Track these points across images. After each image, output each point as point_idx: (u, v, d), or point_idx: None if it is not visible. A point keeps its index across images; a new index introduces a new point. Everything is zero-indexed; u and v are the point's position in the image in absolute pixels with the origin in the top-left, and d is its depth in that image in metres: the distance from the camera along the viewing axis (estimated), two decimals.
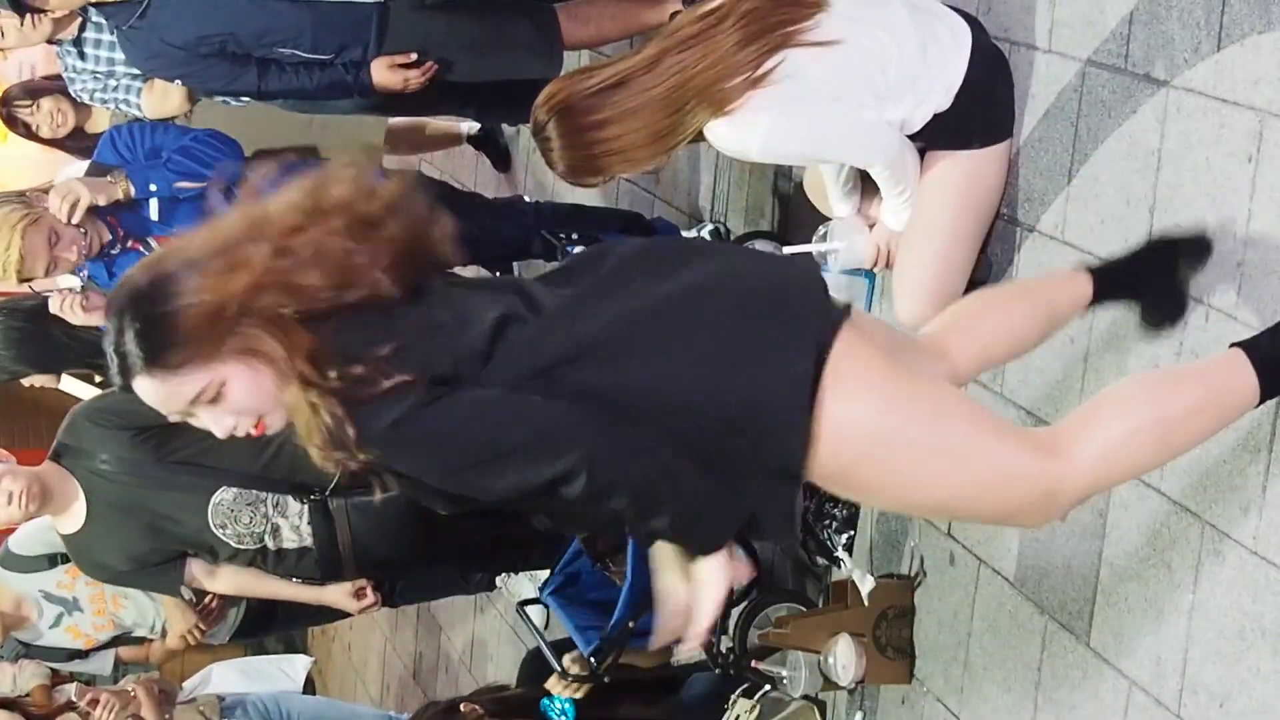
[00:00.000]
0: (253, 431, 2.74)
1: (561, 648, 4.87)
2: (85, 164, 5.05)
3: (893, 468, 2.82)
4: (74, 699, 5.77)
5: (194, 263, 2.65)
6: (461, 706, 4.99)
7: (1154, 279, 3.34)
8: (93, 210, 4.73)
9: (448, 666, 7.86)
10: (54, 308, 4.77)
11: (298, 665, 6.80)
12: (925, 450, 2.81)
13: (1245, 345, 2.94)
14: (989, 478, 2.85)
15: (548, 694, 4.89)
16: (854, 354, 2.79)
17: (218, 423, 2.72)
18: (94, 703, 5.64)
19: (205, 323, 2.61)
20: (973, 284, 3.90)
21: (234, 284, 2.61)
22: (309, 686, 6.83)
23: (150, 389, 2.68)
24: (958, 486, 2.85)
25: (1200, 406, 2.89)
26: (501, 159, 7.11)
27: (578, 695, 4.78)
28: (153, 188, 4.72)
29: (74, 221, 4.65)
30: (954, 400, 2.91)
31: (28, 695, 5.99)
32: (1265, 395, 2.90)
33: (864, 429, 2.78)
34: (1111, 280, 3.34)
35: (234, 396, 2.67)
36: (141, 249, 4.81)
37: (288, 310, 2.63)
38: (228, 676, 6.45)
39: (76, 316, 4.74)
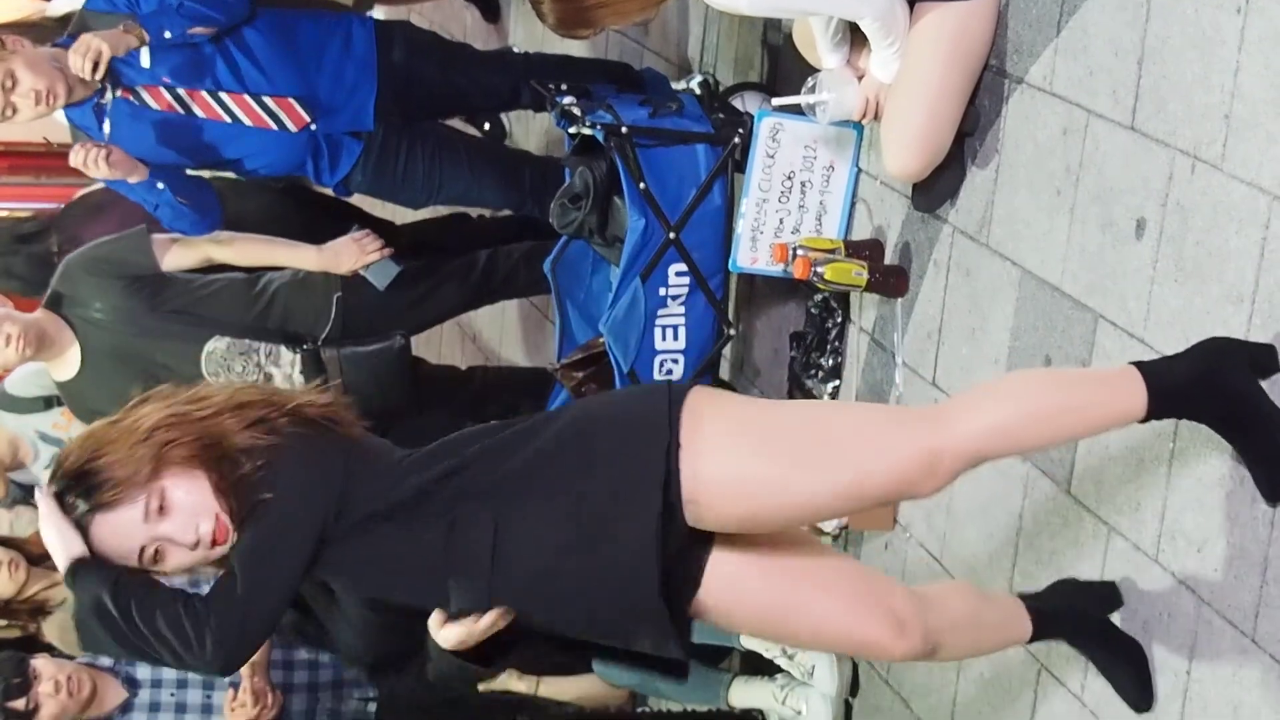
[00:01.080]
0: (216, 534, 2.83)
1: None
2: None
3: (779, 486, 2.90)
4: None
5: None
6: None
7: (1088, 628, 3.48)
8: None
9: None
10: (75, 161, 4.71)
11: None
12: (799, 454, 2.91)
13: (1144, 369, 3.03)
14: (871, 457, 2.92)
15: None
16: (696, 418, 2.90)
17: (182, 536, 2.82)
18: None
19: (126, 460, 2.79)
20: (960, 135, 3.89)
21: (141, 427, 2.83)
22: None
23: (108, 530, 2.81)
24: (846, 472, 2.91)
25: (1086, 410, 3.01)
26: (491, 10, 7.04)
27: None
28: (167, 35, 4.65)
29: (98, 78, 4.58)
30: (814, 404, 3.00)
31: (26, 539, 6.03)
32: (1151, 417, 3.02)
33: (729, 473, 2.88)
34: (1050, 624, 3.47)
35: (176, 498, 2.80)
36: (131, 98, 4.75)
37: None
38: None
39: (100, 170, 4.68)
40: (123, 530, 2.79)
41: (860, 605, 3.09)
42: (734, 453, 2.89)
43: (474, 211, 5.77)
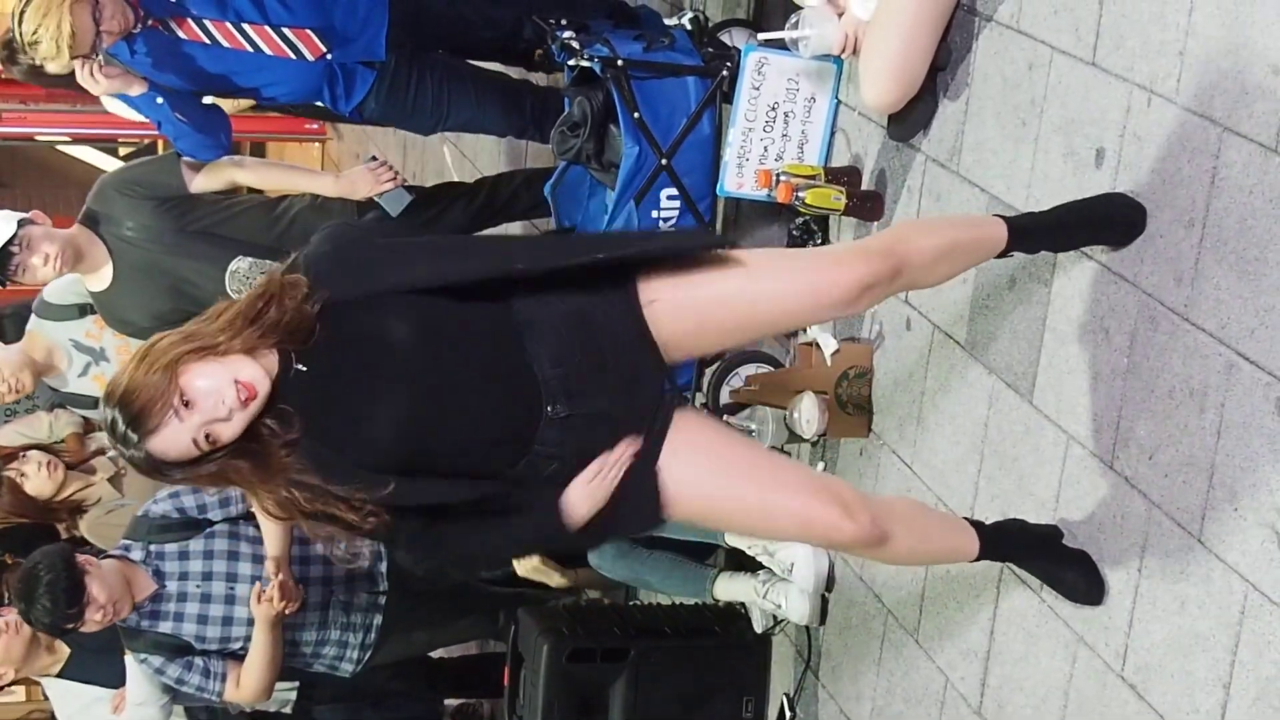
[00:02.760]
0: (245, 396, 2.82)
1: None
2: None
3: (735, 288, 3.07)
4: (105, 445, 5.83)
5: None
6: None
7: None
8: None
9: None
10: (79, 78, 4.70)
11: None
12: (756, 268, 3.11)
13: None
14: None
15: None
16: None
17: (215, 413, 2.81)
18: None
19: (150, 389, 2.79)
20: (933, 69, 3.88)
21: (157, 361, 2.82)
22: None
23: (161, 446, 2.81)
24: (801, 281, 3.11)
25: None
26: None
27: None
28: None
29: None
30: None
31: (62, 442, 6.05)
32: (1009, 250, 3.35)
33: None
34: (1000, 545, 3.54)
35: (196, 388, 2.79)
36: (160, 28, 4.73)
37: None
38: None
39: (99, 84, 4.67)
40: (171, 440, 2.79)
41: (809, 490, 3.14)
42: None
43: None
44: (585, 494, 3.00)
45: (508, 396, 2.97)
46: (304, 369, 2.86)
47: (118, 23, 4.60)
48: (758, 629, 4.69)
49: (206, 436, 2.81)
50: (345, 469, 2.85)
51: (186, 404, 2.78)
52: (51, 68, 4.63)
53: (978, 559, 3.47)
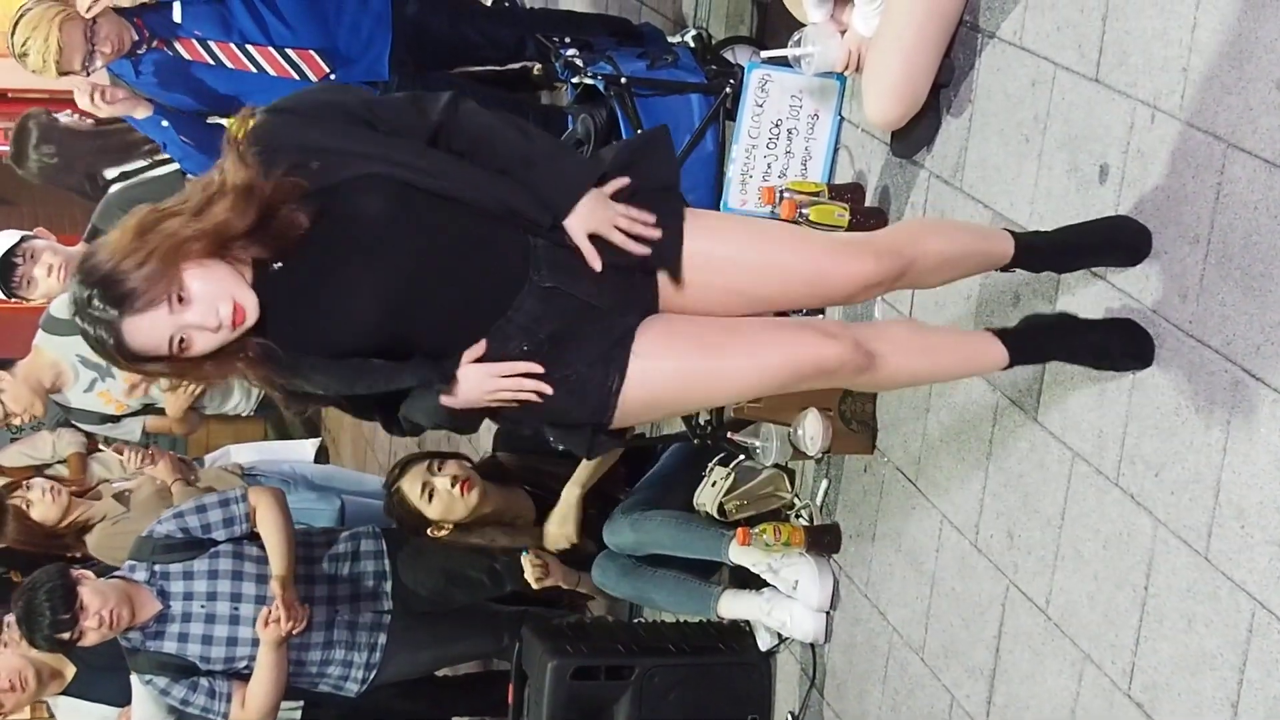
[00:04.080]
0: (235, 316, 2.76)
1: None
2: None
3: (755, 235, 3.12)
4: (101, 445, 5.83)
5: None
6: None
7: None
8: (120, 10, 4.65)
9: (449, 436, 7.89)
10: (81, 103, 4.70)
11: (308, 445, 6.86)
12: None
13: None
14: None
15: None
16: None
17: (205, 320, 2.75)
18: (120, 450, 5.71)
19: (145, 263, 2.72)
20: (936, 86, 3.87)
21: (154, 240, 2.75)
22: (322, 457, 6.90)
23: (136, 329, 2.74)
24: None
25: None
26: None
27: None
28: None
29: (91, 15, 4.56)
30: None
31: (64, 461, 6.05)
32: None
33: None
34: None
35: (195, 288, 2.73)
36: (165, 49, 4.74)
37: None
38: (244, 453, 6.51)
39: (102, 109, 4.67)
40: (150, 327, 2.73)
41: (788, 327, 3.11)
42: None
43: None
44: (474, 380, 2.90)
45: (492, 258, 2.91)
46: (280, 265, 2.81)
47: (112, 44, 4.60)
48: (762, 647, 4.67)
49: (181, 340, 2.76)
50: (295, 364, 2.85)
51: (180, 299, 2.73)
52: (48, 75, 4.64)
53: (1010, 366, 3.31)
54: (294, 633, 4.73)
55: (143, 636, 4.77)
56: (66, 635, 4.59)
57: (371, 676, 5.04)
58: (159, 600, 4.78)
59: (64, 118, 6.03)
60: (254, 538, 4.88)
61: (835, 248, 3.12)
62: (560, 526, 5.03)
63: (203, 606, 4.80)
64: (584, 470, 4.98)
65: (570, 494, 5.00)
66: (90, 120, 5.89)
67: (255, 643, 4.76)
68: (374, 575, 5.03)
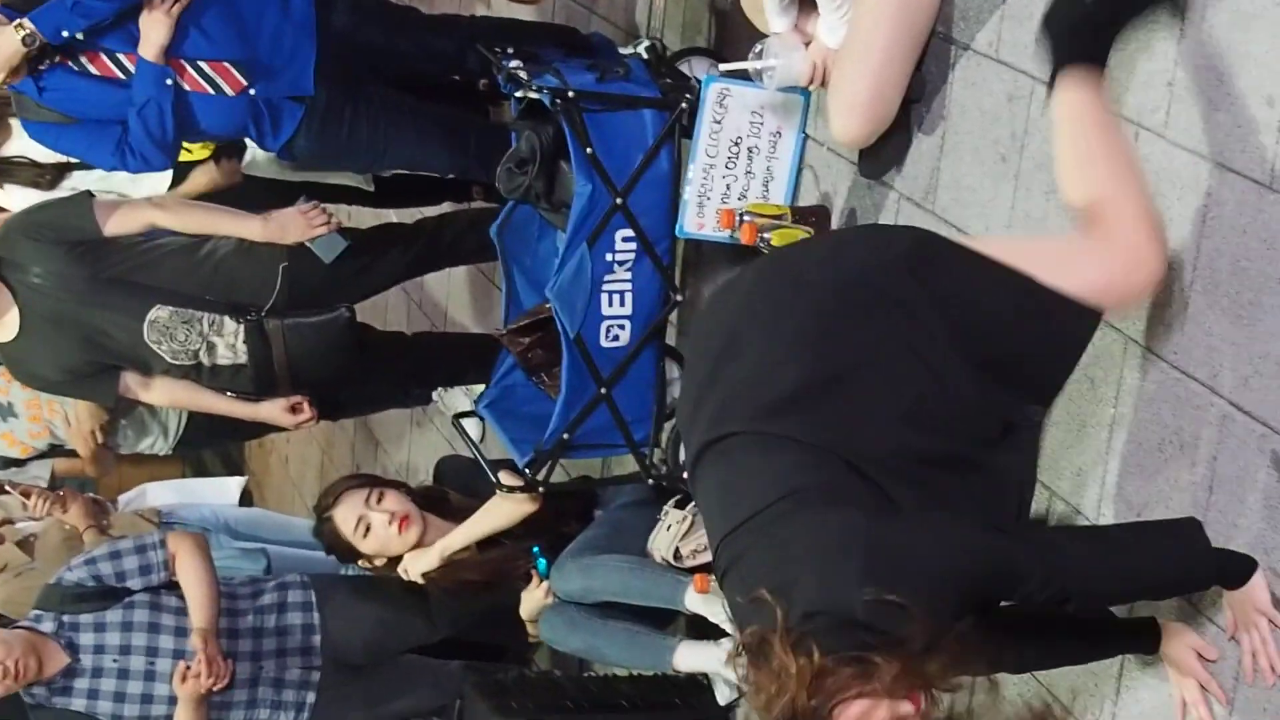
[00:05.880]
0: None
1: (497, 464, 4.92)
2: None
3: None
4: (7, 488, 5.82)
5: None
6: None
7: None
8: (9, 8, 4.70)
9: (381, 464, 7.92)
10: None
11: (231, 484, 6.86)
12: None
13: None
14: None
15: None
16: None
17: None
18: (26, 494, 5.70)
19: None
20: (906, 102, 3.91)
21: None
22: (245, 501, 6.90)
23: None
24: None
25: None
26: None
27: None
28: (65, 34, 4.68)
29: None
30: None
31: None
32: None
33: None
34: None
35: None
36: (70, 63, 4.76)
37: None
38: (162, 494, 6.51)
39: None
40: None
41: None
42: None
43: None
44: None
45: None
46: None
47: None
48: (721, 701, 4.69)
49: None
50: None
51: None
52: None
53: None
54: (215, 689, 4.73)
55: (48, 692, 4.77)
56: None
57: None
58: (67, 653, 4.78)
59: None
60: (173, 586, 4.88)
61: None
62: (413, 560, 5.05)
63: (115, 660, 4.80)
64: (479, 520, 4.98)
65: (434, 550, 5.01)
66: None
67: (172, 701, 4.75)
68: (302, 629, 5.03)
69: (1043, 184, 3.56)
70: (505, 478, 4.73)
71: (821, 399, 2.81)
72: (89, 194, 5.24)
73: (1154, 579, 2.95)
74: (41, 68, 4.75)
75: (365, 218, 6.36)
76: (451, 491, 5.33)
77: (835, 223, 4.30)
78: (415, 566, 5.04)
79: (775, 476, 2.78)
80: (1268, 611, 2.98)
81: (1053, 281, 2.81)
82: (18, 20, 4.63)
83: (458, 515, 5.18)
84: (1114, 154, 2.93)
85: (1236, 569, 2.95)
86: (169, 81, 4.76)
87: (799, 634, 2.61)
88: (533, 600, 4.92)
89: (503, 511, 4.92)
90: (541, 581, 4.84)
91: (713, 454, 2.89)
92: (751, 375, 2.87)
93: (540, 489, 4.73)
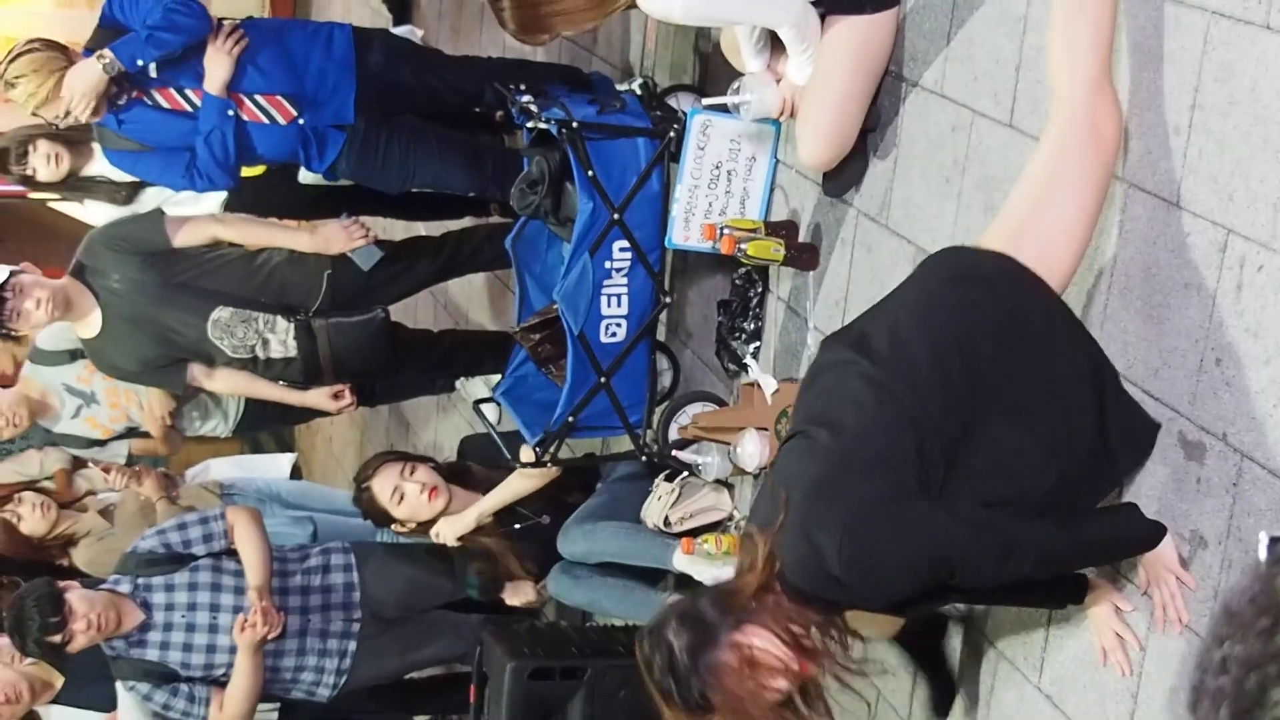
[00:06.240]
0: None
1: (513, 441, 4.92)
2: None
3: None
4: (91, 464, 5.82)
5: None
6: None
7: None
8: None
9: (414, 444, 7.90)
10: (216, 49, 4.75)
11: (283, 460, 6.86)
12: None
13: None
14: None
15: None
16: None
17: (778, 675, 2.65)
18: (106, 470, 5.71)
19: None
20: (864, 131, 3.91)
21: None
22: (295, 474, 6.90)
23: None
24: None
25: None
26: (403, 9, 7.19)
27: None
28: (140, 62, 4.67)
29: (85, 119, 4.75)
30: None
31: (51, 478, 6.04)
32: None
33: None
34: None
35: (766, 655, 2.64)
36: (145, 99, 4.76)
37: None
38: (224, 468, 6.51)
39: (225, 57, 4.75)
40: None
41: None
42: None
43: None
44: None
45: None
46: None
47: (87, 113, 4.70)
48: None
49: None
50: None
51: None
52: (23, 109, 4.70)
53: None
54: (269, 637, 4.73)
55: (126, 645, 4.76)
56: (57, 638, 4.58)
57: (342, 682, 5.04)
58: (142, 611, 4.78)
59: None
60: (231, 553, 4.88)
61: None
62: (448, 525, 5.06)
63: (183, 616, 4.80)
64: (502, 490, 4.99)
65: (470, 513, 5.01)
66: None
67: (232, 650, 4.75)
68: (344, 587, 5.03)
69: (981, 202, 3.56)
70: (524, 454, 4.74)
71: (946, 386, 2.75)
72: (160, 211, 5.25)
73: (1104, 556, 3.03)
74: (120, 103, 4.76)
75: (397, 231, 6.34)
76: (474, 464, 5.35)
77: (803, 235, 4.29)
78: (450, 530, 5.06)
79: (865, 420, 2.73)
80: (1175, 570, 2.98)
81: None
82: (99, 51, 4.64)
83: (479, 485, 5.19)
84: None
85: (1153, 534, 2.95)
86: (230, 113, 4.76)
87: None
88: (520, 592, 4.97)
89: (521, 483, 4.94)
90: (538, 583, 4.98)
91: (843, 365, 2.83)
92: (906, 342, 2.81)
93: (549, 464, 4.73)
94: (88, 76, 4.64)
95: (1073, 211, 2.85)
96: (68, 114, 4.68)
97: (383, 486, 5.07)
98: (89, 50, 4.71)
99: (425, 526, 5.12)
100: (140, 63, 4.66)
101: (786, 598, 2.65)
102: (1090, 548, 2.90)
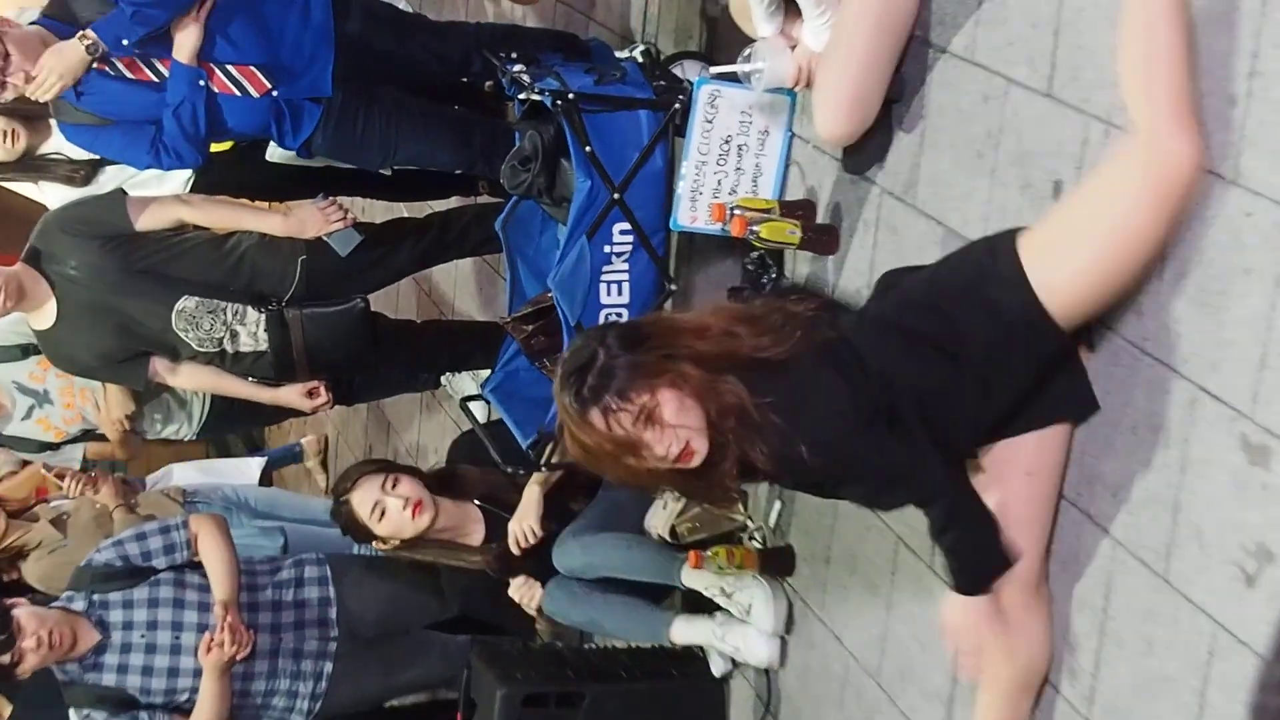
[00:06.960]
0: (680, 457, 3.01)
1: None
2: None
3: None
4: (43, 469, 5.80)
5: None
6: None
7: None
8: (53, 21, 4.66)
9: (395, 459, 7.87)
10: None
11: (251, 464, 6.85)
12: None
13: None
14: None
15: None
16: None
17: (658, 444, 2.98)
18: (60, 475, 5.69)
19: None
20: (888, 102, 3.86)
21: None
22: (265, 480, 6.87)
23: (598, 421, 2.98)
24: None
25: None
26: None
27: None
28: (125, 42, 4.62)
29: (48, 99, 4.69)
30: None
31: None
32: None
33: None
34: None
35: (665, 415, 2.97)
36: (106, 68, 4.71)
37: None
38: (187, 473, 6.49)
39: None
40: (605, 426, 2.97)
41: None
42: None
43: None
44: None
45: None
46: None
47: (22, 76, 4.59)
48: (716, 672, 4.65)
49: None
50: None
51: (650, 418, 2.98)
52: None
53: None
54: (237, 658, 4.69)
55: (80, 669, 4.72)
56: (5, 658, 4.54)
57: (317, 708, 5.00)
58: (98, 630, 4.74)
59: None
60: (195, 566, 4.84)
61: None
62: (519, 522, 4.97)
63: (143, 636, 4.75)
64: (529, 495, 4.94)
65: (531, 491, 4.95)
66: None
67: (197, 673, 4.72)
68: (319, 602, 5.00)
69: (1017, 179, 3.50)
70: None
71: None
72: (122, 191, 5.24)
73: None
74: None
75: (378, 212, 6.30)
76: (464, 465, 5.29)
77: (821, 215, 4.25)
78: (517, 524, 4.94)
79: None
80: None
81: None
82: (81, 32, 4.59)
83: (469, 492, 5.15)
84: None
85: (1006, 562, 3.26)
86: (201, 83, 4.72)
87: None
88: (520, 589, 4.91)
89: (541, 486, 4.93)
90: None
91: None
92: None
93: (542, 469, 4.69)
94: (68, 58, 4.59)
95: (1110, 258, 3.02)
96: (3, 84, 4.61)
97: (362, 501, 5.02)
98: (47, 17, 4.65)
99: (408, 544, 5.05)
100: (126, 42, 4.62)
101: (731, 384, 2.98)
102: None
